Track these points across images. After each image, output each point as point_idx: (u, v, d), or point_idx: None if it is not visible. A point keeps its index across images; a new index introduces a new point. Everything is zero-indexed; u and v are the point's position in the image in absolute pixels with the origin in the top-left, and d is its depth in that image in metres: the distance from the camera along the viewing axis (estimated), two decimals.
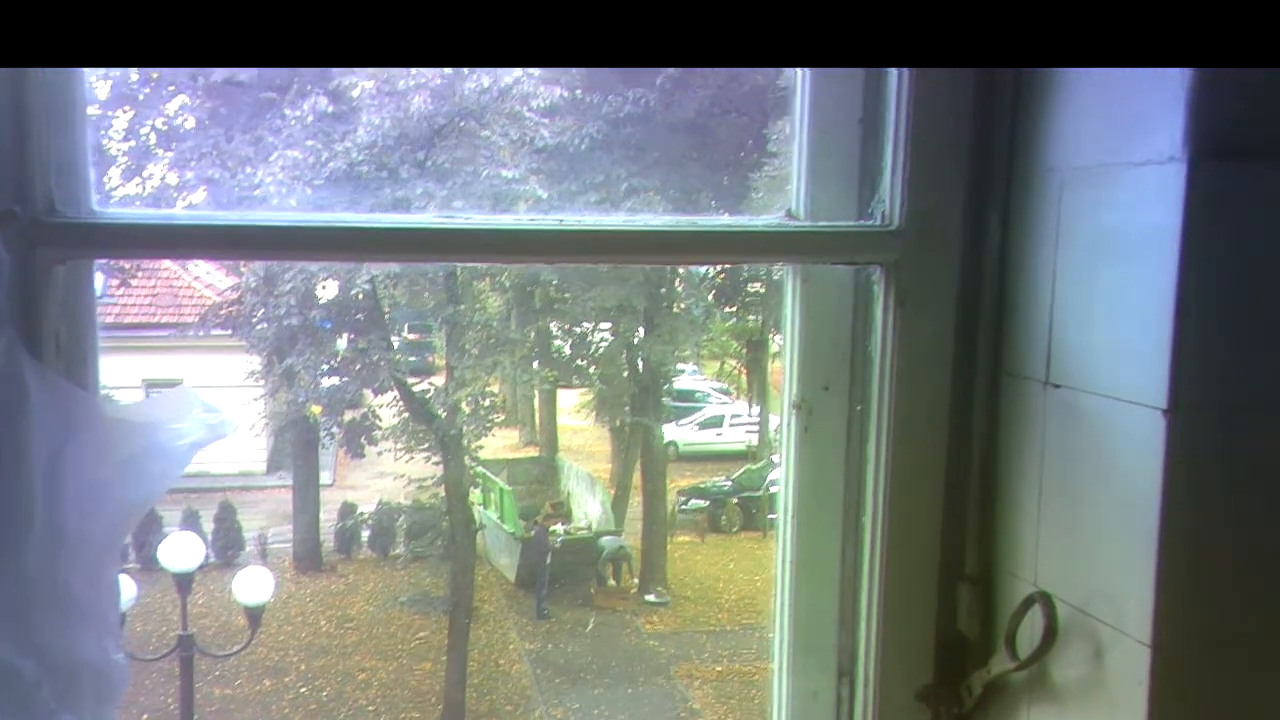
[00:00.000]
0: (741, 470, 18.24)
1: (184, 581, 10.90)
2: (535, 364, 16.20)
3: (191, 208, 12.68)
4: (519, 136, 12.59)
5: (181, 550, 10.93)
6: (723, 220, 1.46)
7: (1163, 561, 1.12)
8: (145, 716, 12.29)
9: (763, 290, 15.86)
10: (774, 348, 17.42)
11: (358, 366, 14.30)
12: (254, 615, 11.26)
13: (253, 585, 11.19)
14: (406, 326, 17.21)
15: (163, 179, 12.94)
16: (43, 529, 1.09)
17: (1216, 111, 1.09)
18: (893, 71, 1.38)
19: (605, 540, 16.08)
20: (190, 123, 13.03)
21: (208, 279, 15.95)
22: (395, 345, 14.98)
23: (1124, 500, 1.17)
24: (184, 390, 1.18)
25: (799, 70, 1.47)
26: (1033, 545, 1.33)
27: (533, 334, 15.59)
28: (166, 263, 15.11)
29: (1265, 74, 1.09)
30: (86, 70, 1.22)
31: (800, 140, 1.48)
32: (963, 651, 1.43)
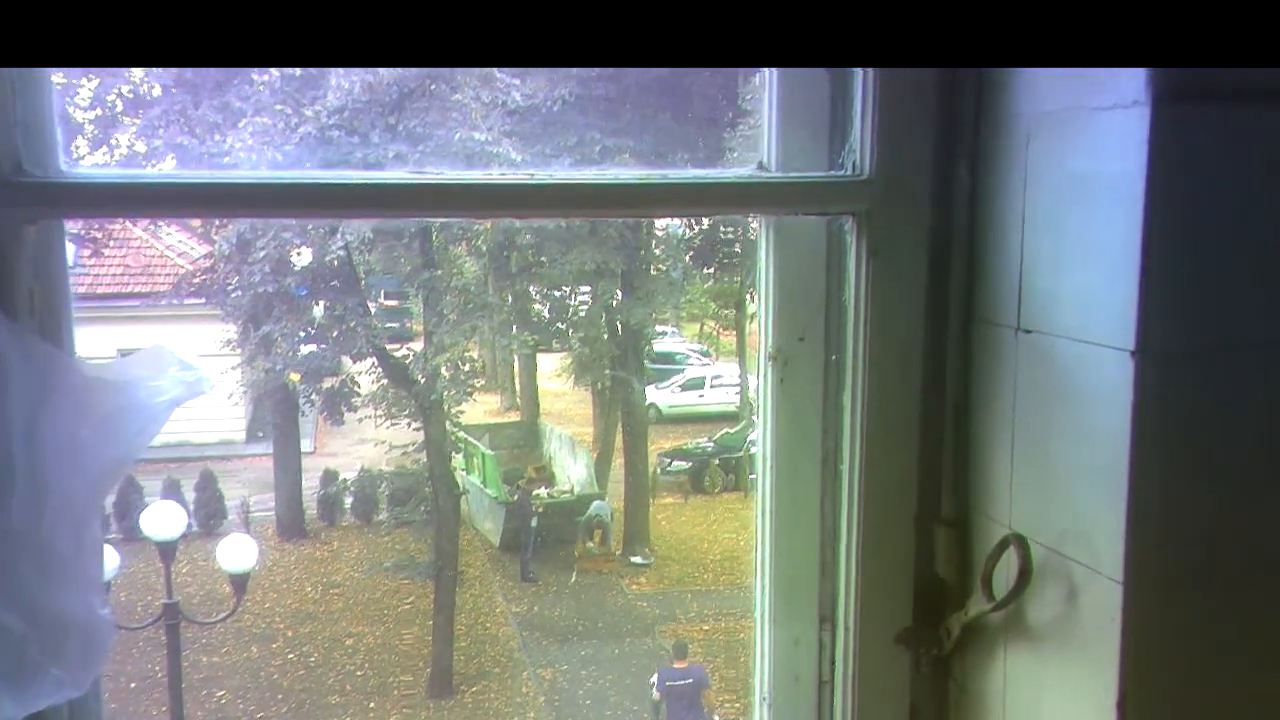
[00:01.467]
0: (722, 432, 18.32)
1: (167, 550, 10.90)
2: (514, 328, 16.18)
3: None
4: (490, 99, 12.50)
5: (164, 519, 10.92)
6: (695, 173, 1.46)
7: (1133, 501, 1.14)
8: (133, 685, 12.33)
9: (739, 251, 15.86)
10: (751, 308, 17.44)
11: (335, 333, 14.26)
12: (239, 582, 11.28)
13: (236, 553, 11.20)
14: (383, 293, 17.15)
15: (130, 147, 12.81)
16: (24, 487, 1.09)
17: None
18: None
19: (594, 505, 16.15)
20: (156, 90, 12.88)
21: (180, 247, 15.82)
22: (372, 311, 14.92)
23: (1095, 442, 1.19)
24: (160, 348, 1.18)
25: None
26: (1007, 488, 1.35)
27: (510, 298, 15.56)
28: (138, 231, 14.98)
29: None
30: None
31: (770, 92, 1.49)
32: (941, 595, 1.46)
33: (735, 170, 1.51)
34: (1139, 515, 1.14)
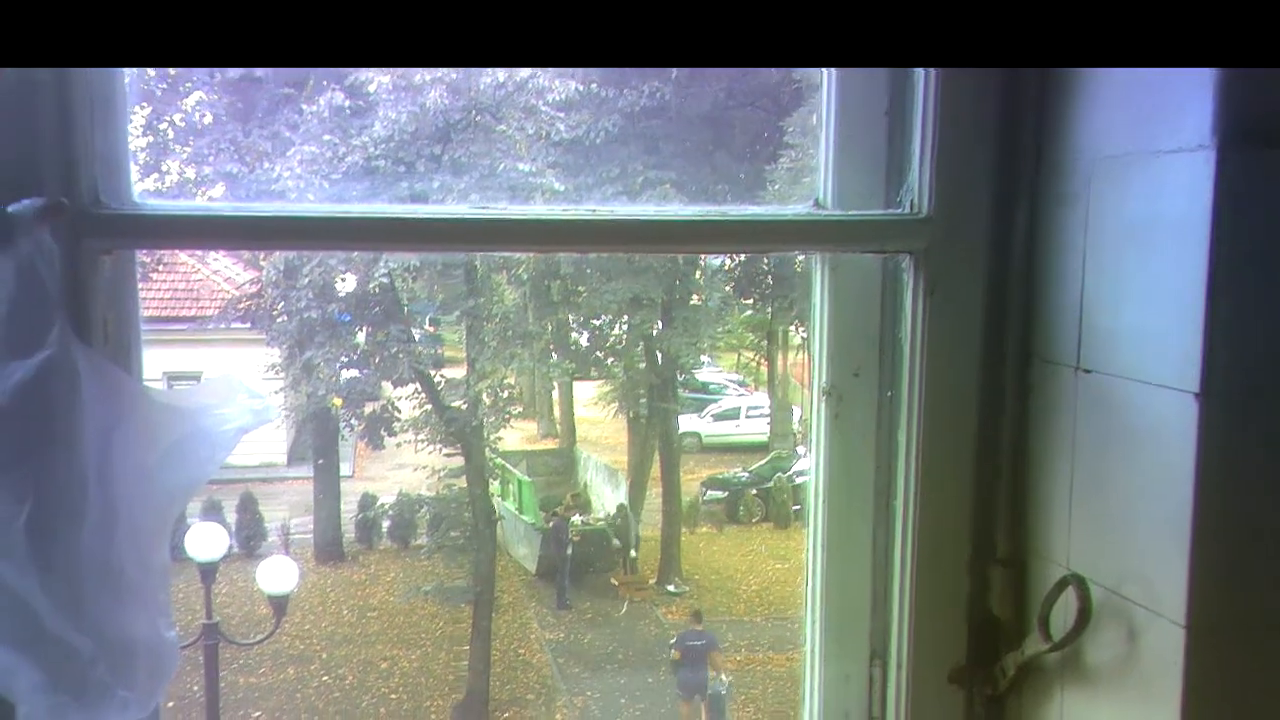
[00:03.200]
0: (760, 461, 18.26)
1: (208, 571, 11.00)
2: (553, 356, 16.25)
3: (211, 201, 12.75)
4: (535, 130, 12.61)
5: (206, 540, 11.03)
6: (751, 210, 1.47)
7: (1196, 543, 1.14)
8: (170, 704, 12.41)
9: (771, 283, 15.85)
10: (796, 340, 17.42)
11: (377, 359, 14.38)
12: (278, 604, 11.36)
13: (277, 575, 11.28)
14: (427, 319, 17.30)
15: (181, 174, 13.02)
16: (95, 511, 1.12)
17: (1245, 99, 1.10)
18: None
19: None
20: (208, 118, 13.09)
21: (226, 273, 16.04)
22: (416, 338, 15.05)
23: (1156, 483, 1.18)
24: (228, 377, 1.21)
25: None
26: (1065, 528, 1.35)
27: (550, 326, 15.63)
28: (184, 256, 15.21)
29: None
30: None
31: (827, 131, 1.50)
32: (995, 634, 1.45)
33: (792, 208, 1.52)
34: (1202, 558, 1.13)
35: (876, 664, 1.57)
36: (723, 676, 12.76)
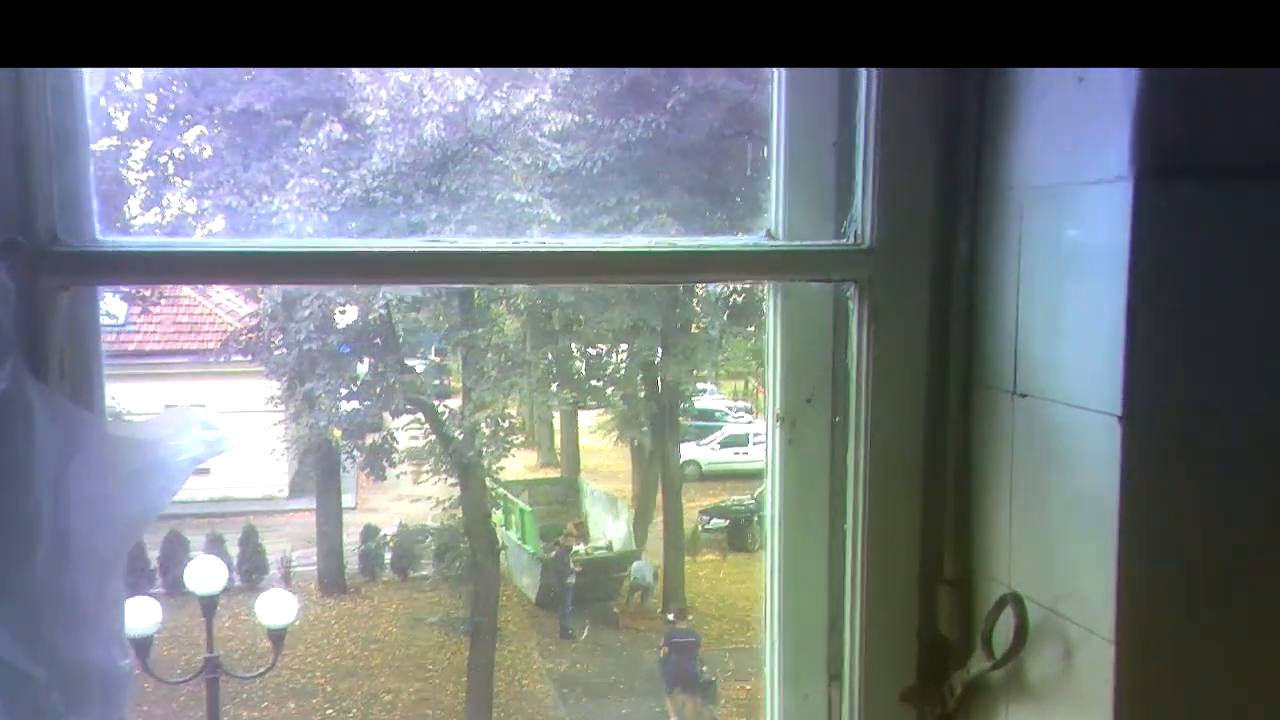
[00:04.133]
0: (761, 488, 18.22)
1: (209, 604, 11.02)
2: (554, 385, 16.28)
3: (210, 235, 12.83)
4: (531, 161, 12.70)
5: (206, 574, 11.06)
6: (704, 240, 1.51)
7: (1123, 561, 1.16)
8: None
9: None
10: None
11: (377, 390, 14.42)
12: (277, 637, 11.35)
13: (275, 608, 11.28)
14: (432, 349, 17.34)
15: (181, 208, 13.11)
16: (49, 541, 1.15)
17: (1161, 131, 1.14)
18: (862, 95, 1.44)
19: (636, 565, 16.16)
20: (207, 152, 13.18)
21: (228, 305, 16.10)
22: (416, 369, 15.10)
23: (1087, 503, 1.21)
24: (183, 409, 1.24)
25: (775, 95, 1.52)
26: (1005, 548, 1.38)
27: (550, 355, 15.67)
28: (187, 290, 15.27)
29: (1208, 95, 1.13)
30: (88, 103, 1.28)
31: (778, 164, 1.54)
32: (944, 653, 1.47)
33: (744, 239, 1.56)
34: (1129, 575, 1.16)
35: (834, 685, 1.60)
36: (705, 668, 13.58)
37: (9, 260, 1.15)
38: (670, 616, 15.73)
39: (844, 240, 1.47)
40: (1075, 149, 1.22)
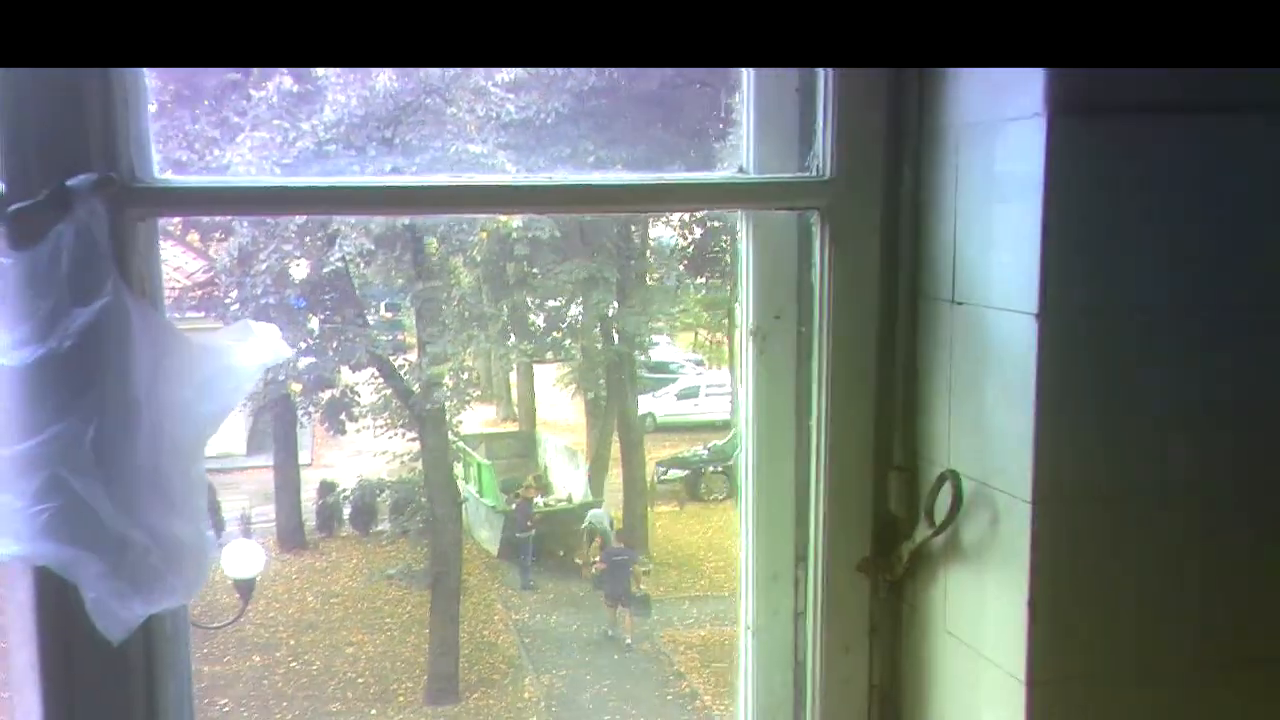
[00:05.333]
0: (722, 440, 18.49)
1: None
2: (511, 338, 16.38)
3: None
4: (485, 112, 12.73)
5: None
6: (684, 175, 1.73)
7: (1038, 438, 1.41)
8: None
9: (729, 261, 16.04)
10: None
11: (333, 344, 14.47)
12: (245, 588, 11.49)
13: (243, 559, 11.41)
14: (383, 305, 17.36)
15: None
16: (145, 432, 1.36)
17: (1072, 74, 1.37)
18: None
19: (592, 514, 16.40)
20: (153, 106, 13.09)
21: (176, 261, 16.01)
22: (371, 323, 15.14)
23: (1010, 390, 1.46)
24: (246, 323, 1.45)
25: None
26: (945, 435, 1.62)
27: (506, 309, 15.76)
28: None
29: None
30: None
31: (748, 107, 1.76)
32: (894, 529, 1.72)
33: (719, 173, 1.79)
34: (1043, 445, 1.42)
35: (800, 565, 1.84)
36: (642, 586, 14.40)
37: (103, 194, 1.35)
38: (642, 587, 16.02)
39: (807, 173, 1.70)
40: (999, 91, 1.46)
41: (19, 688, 1.49)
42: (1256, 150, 1.42)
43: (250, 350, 1.44)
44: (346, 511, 17.44)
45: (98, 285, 1.33)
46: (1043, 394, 1.40)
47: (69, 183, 1.34)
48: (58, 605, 1.44)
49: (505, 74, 12.56)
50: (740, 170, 1.77)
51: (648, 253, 15.75)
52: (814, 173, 1.69)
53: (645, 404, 18.86)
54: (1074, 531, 1.45)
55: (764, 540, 1.85)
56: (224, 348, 1.43)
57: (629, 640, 14.20)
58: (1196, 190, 1.41)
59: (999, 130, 1.46)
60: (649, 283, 15.92)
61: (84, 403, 1.32)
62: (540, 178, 1.58)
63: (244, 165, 12.28)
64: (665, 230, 15.01)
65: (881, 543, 1.74)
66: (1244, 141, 1.42)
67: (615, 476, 16.99)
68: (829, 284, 1.70)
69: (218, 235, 13.84)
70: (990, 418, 1.51)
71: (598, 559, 14.84)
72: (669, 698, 13.28)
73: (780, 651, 1.86)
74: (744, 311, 1.84)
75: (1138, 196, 1.40)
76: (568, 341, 16.74)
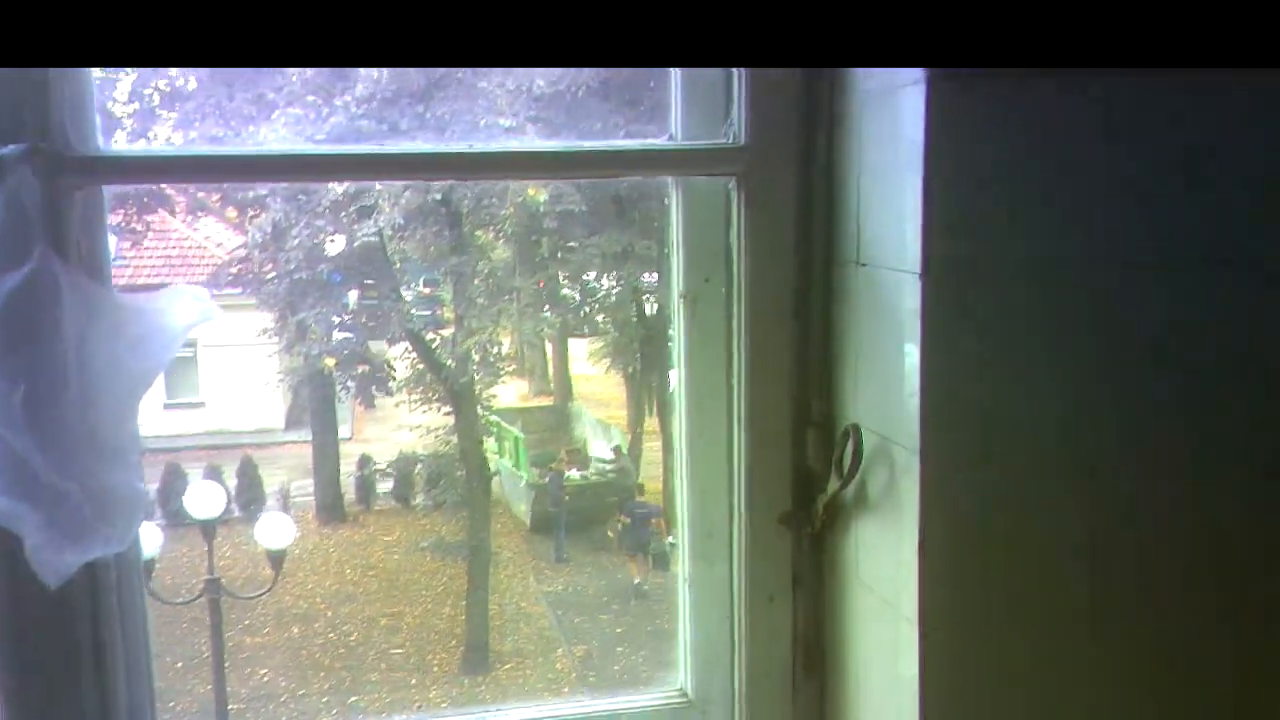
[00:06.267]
0: None
1: (209, 529, 11.39)
2: (545, 312, 16.47)
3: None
4: (515, 86, 12.78)
5: (205, 499, 11.42)
6: (612, 142, 1.80)
7: (924, 388, 1.47)
8: (179, 664, 12.80)
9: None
10: None
11: (367, 319, 14.63)
12: (276, 560, 11.75)
13: (274, 531, 11.67)
14: (422, 280, 17.52)
15: (168, 140, 13.23)
16: (76, 389, 1.45)
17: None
18: None
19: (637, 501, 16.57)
20: (192, 84, 13.26)
21: (217, 238, 16.23)
22: (407, 298, 15.29)
23: (902, 346, 1.52)
24: (178, 286, 1.54)
25: None
26: (854, 392, 1.68)
27: (540, 282, 15.84)
28: (176, 224, 15.42)
29: None
30: None
31: (675, 77, 1.82)
32: (812, 482, 1.79)
33: (649, 141, 1.85)
34: (929, 404, 1.47)
35: (732, 517, 1.91)
36: (668, 539, 14.05)
37: (33, 163, 1.44)
38: (670, 540, 16.11)
39: (725, 140, 1.75)
40: None
41: None
42: (1133, 108, 1.47)
43: (179, 311, 1.52)
44: (384, 485, 17.67)
45: (27, 252, 1.42)
46: (927, 350, 1.46)
47: None
48: (3, 552, 1.54)
49: None
50: (670, 138, 1.83)
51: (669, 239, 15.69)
52: (730, 140, 1.75)
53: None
54: (960, 482, 1.50)
55: (697, 496, 1.92)
56: (154, 309, 1.51)
57: (645, 586, 14.47)
58: (1074, 149, 1.45)
59: (892, 97, 1.51)
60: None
61: (12, 363, 1.42)
62: (462, 145, 1.65)
63: (278, 141, 12.43)
64: None
65: (800, 496, 1.80)
66: (1121, 99, 1.46)
67: (653, 450, 17.09)
68: (746, 248, 1.76)
69: (252, 212, 14.03)
70: (888, 374, 1.57)
71: (621, 515, 15.24)
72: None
73: (714, 602, 1.93)
74: (675, 275, 1.90)
75: (1018, 157, 1.45)
76: (601, 316, 16.80)
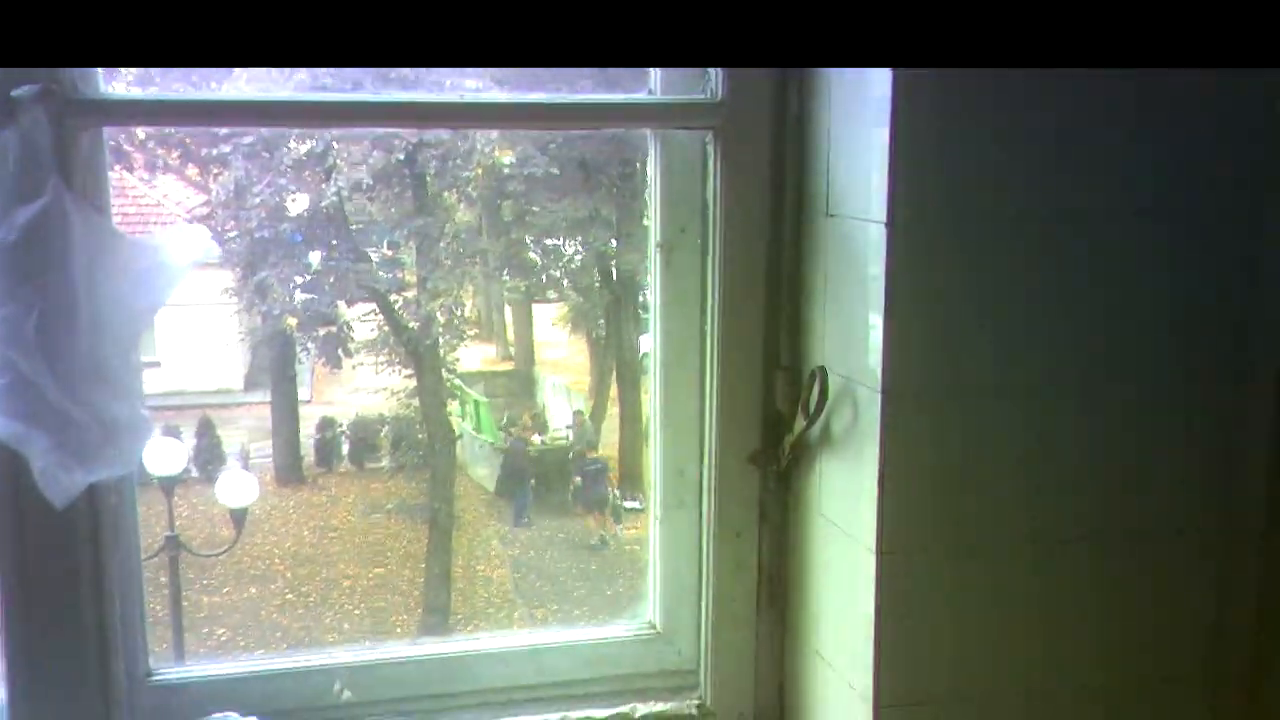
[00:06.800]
0: None
1: (168, 486, 11.34)
2: (507, 276, 16.46)
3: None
4: None
5: (164, 455, 11.35)
6: (594, 95, 1.88)
7: (888, 329, 1.58)
8: None
9: None
10: None
11: (330, 279, 14.57)
12: (238, 518, 11.74)
13: (236, 489, 11.65)
14: (385, 242, 17.41)
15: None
16: (85, 318, 1.52)
17: None
18: None
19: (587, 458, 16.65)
20: None
21: (176, 195, 16.06)
22: (371, 258, 15.22)
23: (867, 293, 1.62)
24: (183, 226, 1.61)
25: None
26: (821, 337, 1.79)
27: (504, 245, 15.83)
28: (133, 181, 15.27)
29: None
30: None
31: None
32: (779, 424, 1.89)
33: (624, 95, 1.93)
34: (894, 340, 1.58)
35: (701, 458, 2.01)
36: (614, 492, 14.44)
37: (45, 104, 1.51)
38: (628, 504, 16.23)
39: (703, 95, 1.84)
40: None
41: None
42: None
43: (181, 248, 1.60)
44: (345, 447, 17.64)
45: (39, 186, 1.49)
46: (891, 296, 1.56)
47: (14, 93, 1.50)
48: (10, 474, 1.62)
49: None
50: (650, 92, 1.92)
51: (647, 191, 15.76)
52: (708, 95, 1.83)
53: (647, 344, 18.96)
54: (919, 420, 1.61)
55: (670, 438, 2.02)
56: (157, 245, 1.59)
57: (606, 539, 14.65)
58: (1037, 103, 1.56)
59: None
60: (645, 223, 15.94)
61: (27, 291, 1.49)
62: (450, 95, 1.72)
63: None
64: None
65: (769, 437, 1.91)
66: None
67: (614, 416, 17.17)
68: (721, 199, 1.85)
69: (215, 170, 13.91)
70: (852, 319, 1.67)
71: (574, 475, 15.32)
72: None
73: (684, 538, 2.03)
74: (653, 225, 1.99)
75: (981, 111, 1.55)
76: (565, 281, 16.81)
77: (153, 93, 2.07)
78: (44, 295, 1.50)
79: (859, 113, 1.63)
